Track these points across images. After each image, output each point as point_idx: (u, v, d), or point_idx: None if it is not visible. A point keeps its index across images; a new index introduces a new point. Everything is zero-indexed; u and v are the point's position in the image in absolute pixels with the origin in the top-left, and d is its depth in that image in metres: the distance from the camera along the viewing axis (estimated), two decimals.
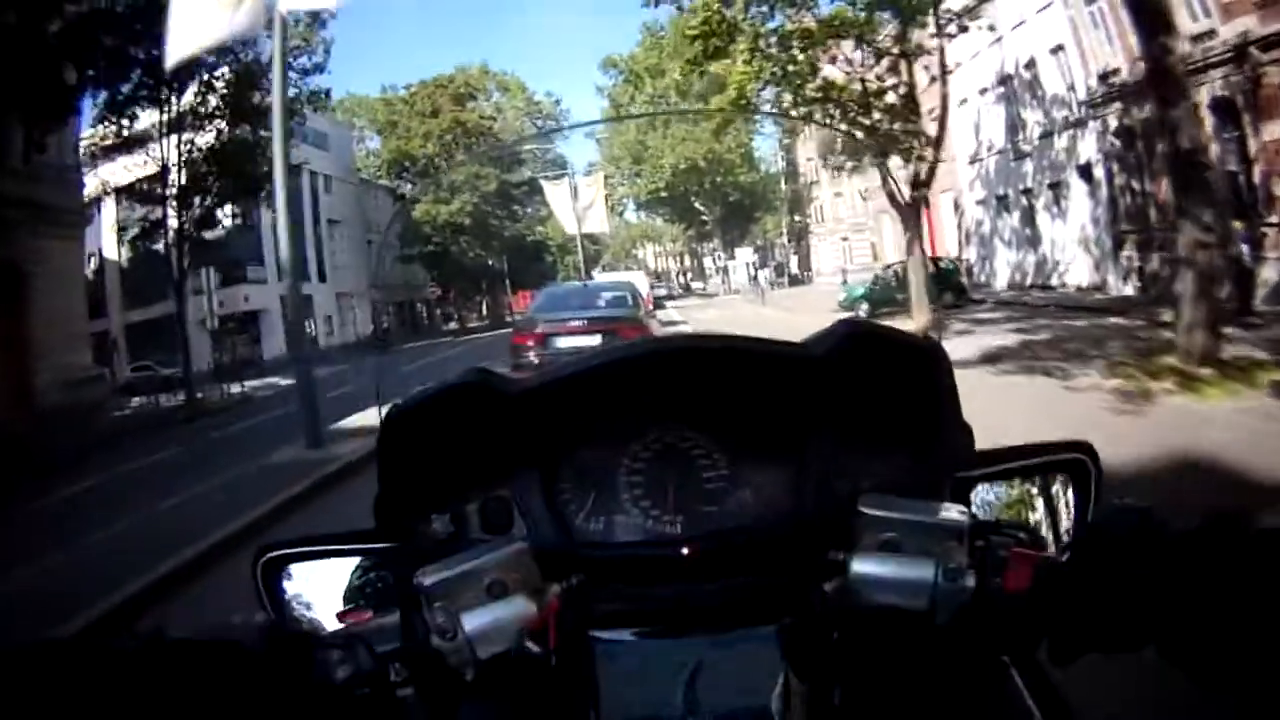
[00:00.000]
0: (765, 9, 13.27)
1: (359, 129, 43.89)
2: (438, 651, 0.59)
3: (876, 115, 13.86)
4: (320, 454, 7.67)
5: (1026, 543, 0.61)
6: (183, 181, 17.20)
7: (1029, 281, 20.97)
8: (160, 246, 18.30)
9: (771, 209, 50.16)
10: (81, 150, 17.69)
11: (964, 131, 22.66)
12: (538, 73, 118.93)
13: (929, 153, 13.64)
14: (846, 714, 0.64)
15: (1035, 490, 0.77)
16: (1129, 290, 16.09)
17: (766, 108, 17.09)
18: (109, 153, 17.75)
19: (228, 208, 28.86)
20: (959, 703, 0.67)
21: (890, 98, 13.92)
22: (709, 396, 0.76)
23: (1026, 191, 20.94)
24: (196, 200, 17.62)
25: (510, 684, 0.62)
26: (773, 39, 13.04)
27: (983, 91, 21.91)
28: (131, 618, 4.11)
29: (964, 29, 14.11)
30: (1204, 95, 12.90)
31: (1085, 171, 18.07)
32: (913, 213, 13.97)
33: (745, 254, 39.39)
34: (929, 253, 16.49)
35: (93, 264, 27.43)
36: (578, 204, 23.91)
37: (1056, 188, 19.47)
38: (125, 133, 16.75)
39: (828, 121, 14.28)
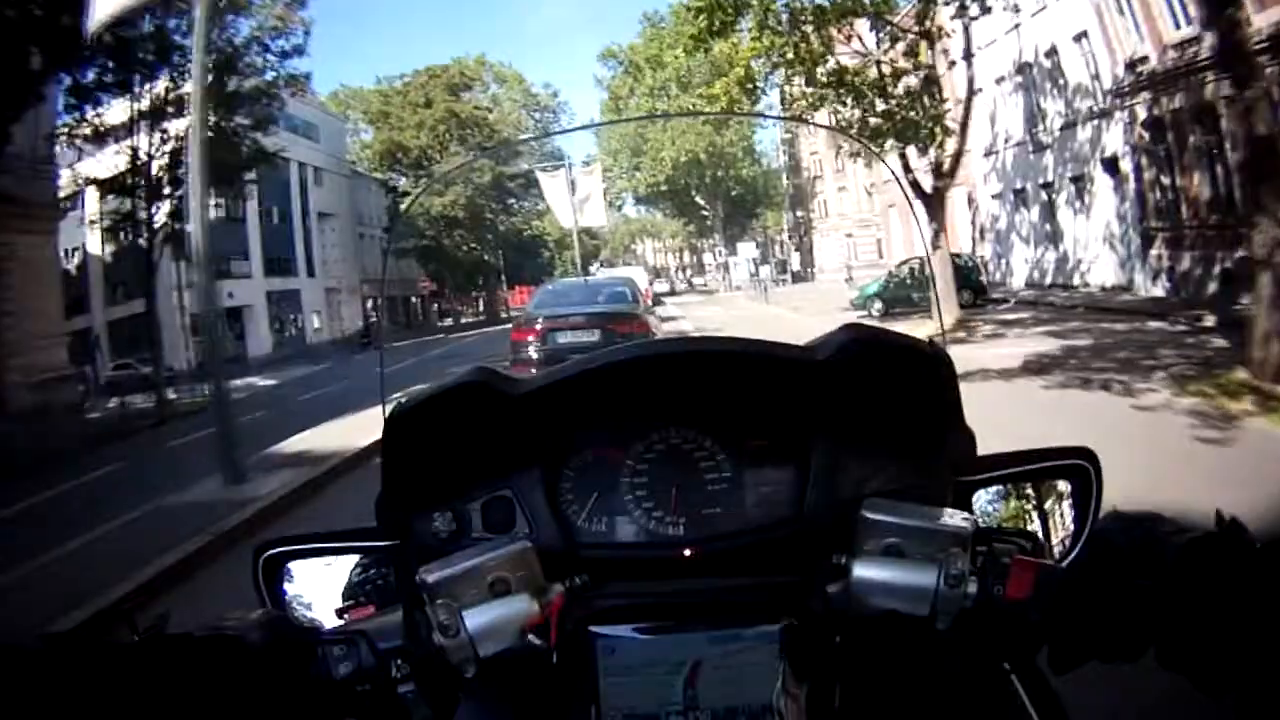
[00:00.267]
0: None
1: (354, 121, 43.24)
2: (439, 648, 0.60)
3: (895, 101, 12.87)
4: (236, 493, 6.13)
5: (1028, 550, 0.63)
6: (153, 171, 16.22)
7: (1048, 280, 20.06)
8: (143, 240, 17.60)
9: (773, 204, 49.56)
10: (61, 143, 16.90)
11: (979, 123, 21.44)
12: (536, 65, 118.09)
13: (951, 142, 12.68)
14: (846, 716, 0.65)
15: (1037, 496, 0.78)
16: (1158, 291, 15.28)
17: (774, 93, 16.18)
18: (82, 143, 16.95)
19: (212, 201, 28.30)
20: (959, 709, 0.68)
21: (910, 80, 12.93)
22: (712, 399, 0.76)
23: (1046, 185, 19.94)
24: (169, 191, 16.76)
25: (511, 681, 0.65)
26: (784, 15, 12.00)
27: (999, 81, 20.89)
28: None
29: (987, 10, 13.09)
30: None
31: (1111, 164, 17.15)
32: (937, 204, 12.99)
33: (748, 249, 38.43)
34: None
35: (76, 259, 26.66)
36: (575, 196, 22.99)
37: (1079, 181, 18.49)
38: (93, 121, 15.96)
39: (840, 108, 13.23)
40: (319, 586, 0.77)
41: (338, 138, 39.71)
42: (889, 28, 13.74)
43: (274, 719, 0.53)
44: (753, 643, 0.67)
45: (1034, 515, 0.77)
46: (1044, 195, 20.22)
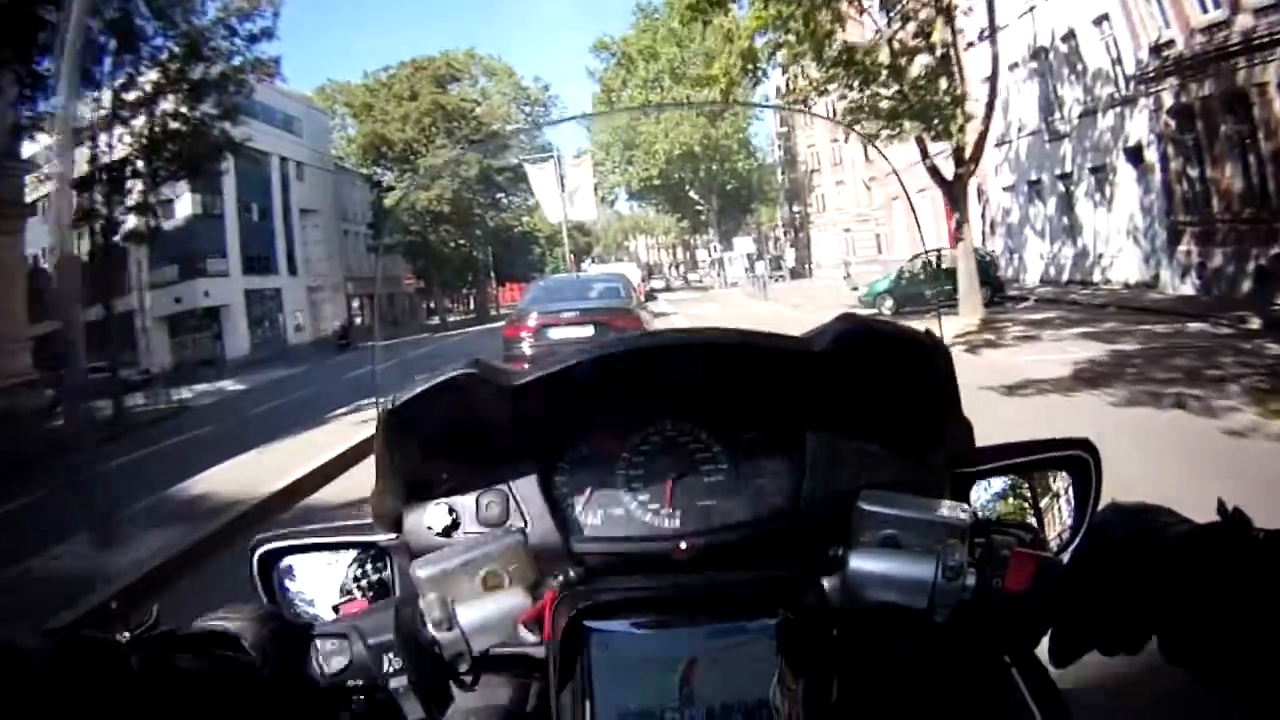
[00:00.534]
0: None
1: (340, 116, 41.89)
2: (433, 642, 0.60)
3: (911, 82, 11.82)
4: (95, 563, 4.65)
5: (1027, 541, 0.62)
6: (107, 163, 15.07)
7: (1065, 277, 19.04)
8: (118, 238, 16.64)
9: (769, 199, 48.59)
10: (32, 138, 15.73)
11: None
12: (527, 58, 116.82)
13: (973, 126, 11.66)
14: (843, 710, 0.64)
15: (1036, 488, 0.77)
16: (1187, 288, 14.35)
17: (775, 78, 15.11)
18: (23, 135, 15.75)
19: (188, 197, 27.08)
20: (959, 702, 0.67)
21: (926, 59, 11.88)
22: (708, 391, 0.75)
23: (1064, 176, 18.89)
24: (130, 186, 15.62)
25: (504, 675, 0.65)
26: None
27: (1012, 67, 19.79)
28: None
29: None
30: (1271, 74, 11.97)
31: (1134, 154, 16.14)
32: (959, 193, 11.96)
33: (744, 244, 37.42)
34: (950, 244, 14.44)
35: (53, 259, 25.43)
36: (564, 190, 21.92)
37: (1099, 172, 17.46)
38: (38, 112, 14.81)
39: (848, 91, 12.18)
40: (315, 580, 0.77)
41: (321, 132, 38.40)
42: (900, 4, 12.68)
43: (266, 714, 0.53)
44: (749, 637, 0.64)
45: (1032, 506, 0.76)
46: (1061, 187, 19.19)
